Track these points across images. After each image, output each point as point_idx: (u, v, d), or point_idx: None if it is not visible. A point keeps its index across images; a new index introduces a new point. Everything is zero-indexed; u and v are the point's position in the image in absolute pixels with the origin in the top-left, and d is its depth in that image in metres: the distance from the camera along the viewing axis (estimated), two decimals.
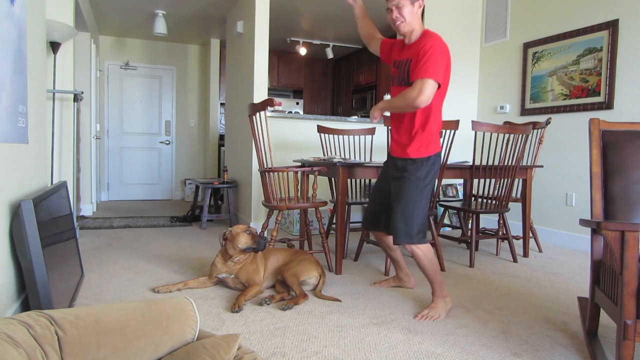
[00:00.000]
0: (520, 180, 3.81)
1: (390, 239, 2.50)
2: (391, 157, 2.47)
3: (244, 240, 2.49)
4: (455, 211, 3.98)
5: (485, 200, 3.47)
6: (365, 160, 3.68)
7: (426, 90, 2.13)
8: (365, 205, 3.31)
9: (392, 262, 2.75)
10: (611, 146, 1.95)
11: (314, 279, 2.55)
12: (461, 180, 4.72)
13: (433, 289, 2.34)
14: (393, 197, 2.37)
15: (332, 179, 3.49)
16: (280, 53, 7.47)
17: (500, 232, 3.62)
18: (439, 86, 2.20)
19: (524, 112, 4.56)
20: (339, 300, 2.45)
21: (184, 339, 1.38)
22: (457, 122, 3.04)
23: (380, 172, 2.64)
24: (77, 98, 3.90)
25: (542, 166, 4.10)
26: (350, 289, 2.67)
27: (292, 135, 4.53)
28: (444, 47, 2.23)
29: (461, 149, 4.92)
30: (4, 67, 1.77)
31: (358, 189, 3.84)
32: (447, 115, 4.94)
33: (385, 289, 2.70)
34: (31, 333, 1.15)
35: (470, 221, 3.95)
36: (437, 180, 3.09)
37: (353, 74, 7.41)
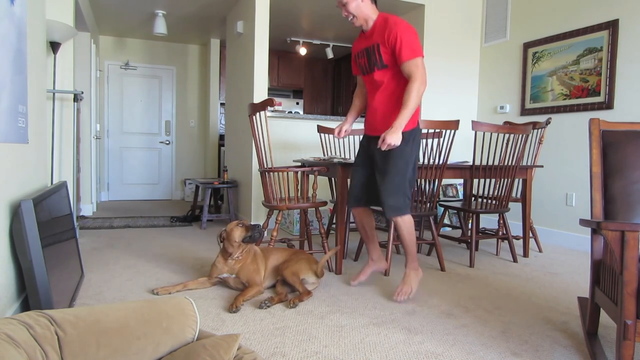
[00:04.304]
0: (520, 180, 3.81)
1: (371, 217, 2.64)
2: (372, 137, 2.53)
3: (238, 233, 2.51)
4: (455, 211, 3.98)
5: (485, 200, 3.47)
6: None
7: (420, 67, 2.30)
8: None
9: (367, 242, 2.76)
10: (611, 146, 1.95)
11: (313, 278, 2.56)
12: (461, 180, 4.72)
13: (407, 260, 2.51)
14: (381, 172, 2.44)
15: (332, 179, 3.50)
16: (280, 53, 7.47)
17: (500, 232, 3.62)
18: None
19: (524, 112, 4.56)
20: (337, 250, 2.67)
21: (184, 339, 1.38)
22: (457, 122, 3.04)
23: (358, 152, 2.70)
24: (77, 98, 3.90)
25: (542, 166, 4.10)
26: (350, 289, 2.67)
27: (292, 135, 4.53)
28: (408, 25, 2.35)
29: (461, 149, 4.92)
30: (4, 67, 1.77)
31: None
32: (447, 115, 4.95)
33: (383, 287, 2.70)
34: (31, 333, 1.15)
35: (470, 221, 3.95)
36: (437, 181, 3.09)
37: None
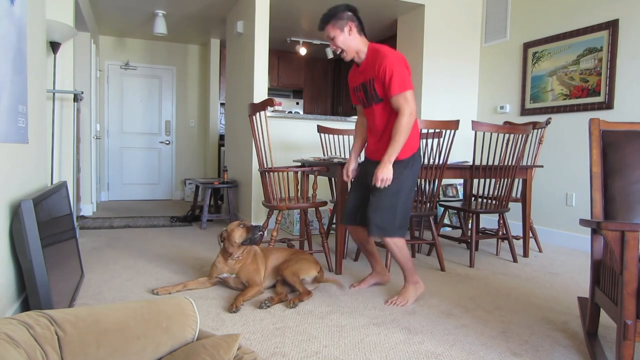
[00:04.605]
0: (520, 180, 3.81)
1: (365, 234, 2.59)
2: (373, 161, 2.51)
3: (239, 235, 2.51)
4: (455, 211, 3.98)
5: (485, 200, 3.47)
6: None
7: (410, 101, 2.29)
8: None
9: (368, 257, 2.75)
10: (611, 146, 1.95)
11: (313, 278, 2.56)
12: (461, 180, 4.72)
13: (405, 276, 2.49)
14: (373, 192, 2.43)
15: (332, 179, 3.50)
16: (280, 53, 7.47)
17: (500, 232, 3.62)
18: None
19: (524, 112, 4.56)
20: (339, 283, 2.62)
21: (184, 339, 1.38)
22: (457, 122, 3.04)
23: (358, 173, 2.68)
24: (77, 98, 3.90)
25: (542, 166, 4.10)
26: (350, 289, 2.67)
27: (292, 135, 4.53)
28: (398, 56, 2.33)
29: (461, 149, 4.92)
30: (4, 67, 1.77)
31: None
32: (447, 115, 4.95)
33: (383, 288, 2.70)
34: (31, 333, 1.15)
35: (470, 221, 3.95)
36: (437, 181, 3.09)
37: None
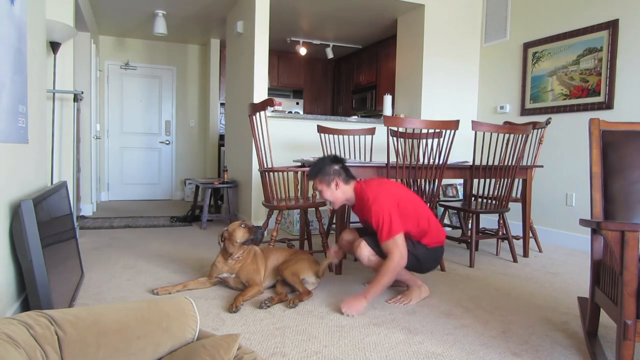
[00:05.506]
0: (520, 180, 3.81)
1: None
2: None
3: (240, 235, 2.51)
4: (455, 211, 3.98)
5: (485, 200, 3.47)
6: (365, 160, 3.69)
7: (399, 244, 2.30)
8: None
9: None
10: (611, 146, 1.95)
11: (313, 278, 2.56)
12: (461, 180, 4.72)
13: (407, 285, 2.53)
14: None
15: None
16: (280, 53, 7.47)
17: (500, 232, 3.62)
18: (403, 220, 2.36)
19: (524, 112, 4.56)
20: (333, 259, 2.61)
21: (184, 339, 1.38)
22: (457, 122, 3.04)
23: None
24: (77, 98, 3.90)
25: (542, 166, 4.10)
26: (350, 289, 2.67)
27: (292, 135, 4.53)
28: (382, 201, 2.35)
29: (461, 149, 4.92)
30: (4, 67, 1.77)
31: None
32: (447, 115, 4.95)
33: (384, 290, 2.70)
34: (31, 333, 1.15)
35: (470, 221, 3.95)
36: (437, 181, 3.09)
37: (353, 74, 7.41)
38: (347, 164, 2.95)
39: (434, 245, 2.50)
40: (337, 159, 2.54)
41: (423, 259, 2.48)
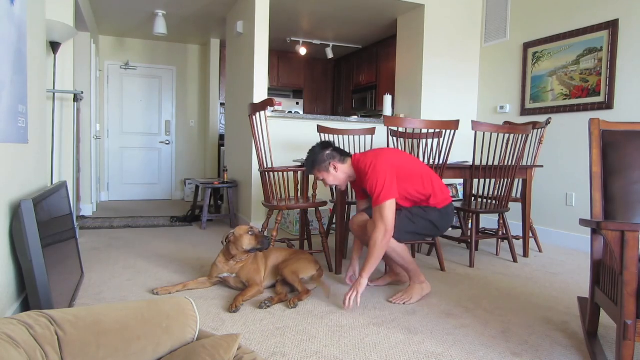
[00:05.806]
0: (520, 180, 3.81)
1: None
2: None
3: (247, 242, 2.50)
4: (455, 211, 3.98)
5: (485, 200, 3.47)
6: None
7: (384, 218, 2.29)
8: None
9: (385, 258, 2.74)
10: (611, 146, 1.95)
11: (311, 277, 2.56)
12: (461, 180, 4.72)
13: (410, 277, 2.53)
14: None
15: None
16: (280, 53, 7.47)
17: (500, 232, 3.62)
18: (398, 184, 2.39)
19: (524, 112, 4.56)
20: (328, 292, 2.52)
21: (184, 339, 1.38)
22: (457, 122, 3.04)
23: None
24: (77, 98, 3.90)
25: (542, 166, 4.10)
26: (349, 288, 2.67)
27: (292, 135, 4.53)
28: (379, 161, 2.37)
29: (461, 149, 4.92)
30: (4, 67, 1.77)
31: None
32: (447, 115, 4.95)
33: (384, 288, 2.70)
34: (31, 333, 1.15)
35: (470, 221, 3.95)
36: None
37: (353, 74, 7.41)
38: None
39: (443, 205, 2.52)
40: (325, 144, 2.56)
41: (438, 222, 2.52)
